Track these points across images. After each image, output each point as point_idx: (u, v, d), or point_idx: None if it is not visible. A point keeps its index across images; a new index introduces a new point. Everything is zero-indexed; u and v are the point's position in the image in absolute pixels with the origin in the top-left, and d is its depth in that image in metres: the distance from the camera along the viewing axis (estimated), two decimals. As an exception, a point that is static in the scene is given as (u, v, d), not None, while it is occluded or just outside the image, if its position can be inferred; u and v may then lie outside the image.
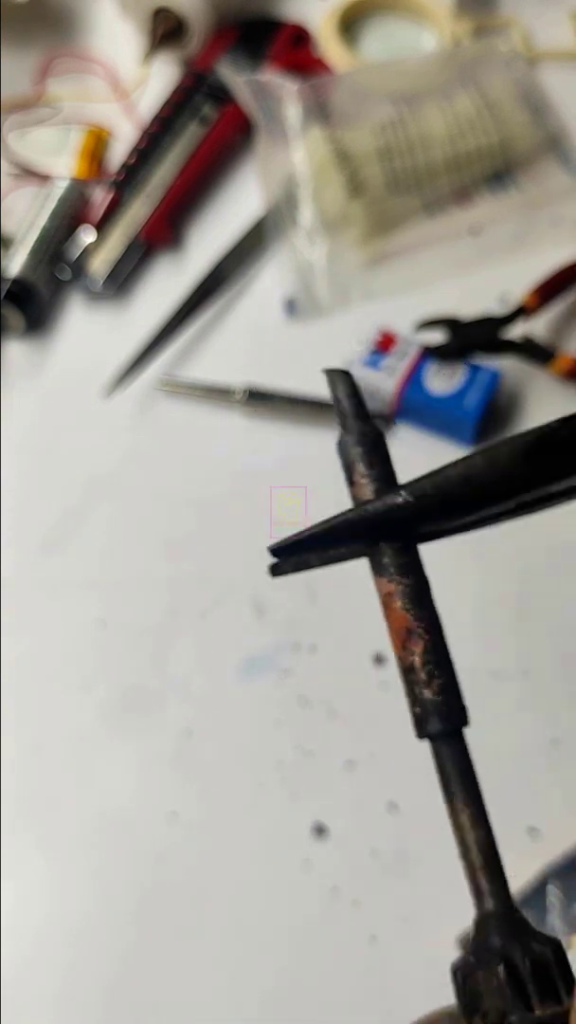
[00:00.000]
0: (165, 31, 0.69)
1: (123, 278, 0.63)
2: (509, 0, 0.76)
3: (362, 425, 0.24)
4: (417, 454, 0.55)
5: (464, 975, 0.20)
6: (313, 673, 0.50)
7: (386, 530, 0.22)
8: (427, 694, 0.22)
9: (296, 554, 0.23)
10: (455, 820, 0.22)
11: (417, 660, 0.22)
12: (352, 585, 0.53)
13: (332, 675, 0.50)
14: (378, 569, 0.23)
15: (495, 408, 0.56)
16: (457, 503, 0.22)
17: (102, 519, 0.55)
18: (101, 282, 0.62)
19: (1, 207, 0.65)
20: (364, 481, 0.23)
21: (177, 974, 0.44)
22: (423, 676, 0.22)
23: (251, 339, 0.61)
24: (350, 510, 0.23)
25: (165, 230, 0.64)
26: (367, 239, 0.63)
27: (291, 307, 0.61)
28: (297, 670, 0.50)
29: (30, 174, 0.66)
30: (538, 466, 0.22)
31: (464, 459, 0.22)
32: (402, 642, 0.22)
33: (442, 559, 0.53)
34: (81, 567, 0.54)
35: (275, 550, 0.23)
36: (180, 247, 0.65)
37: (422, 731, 0.22)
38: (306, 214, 0.63)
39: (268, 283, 0.63)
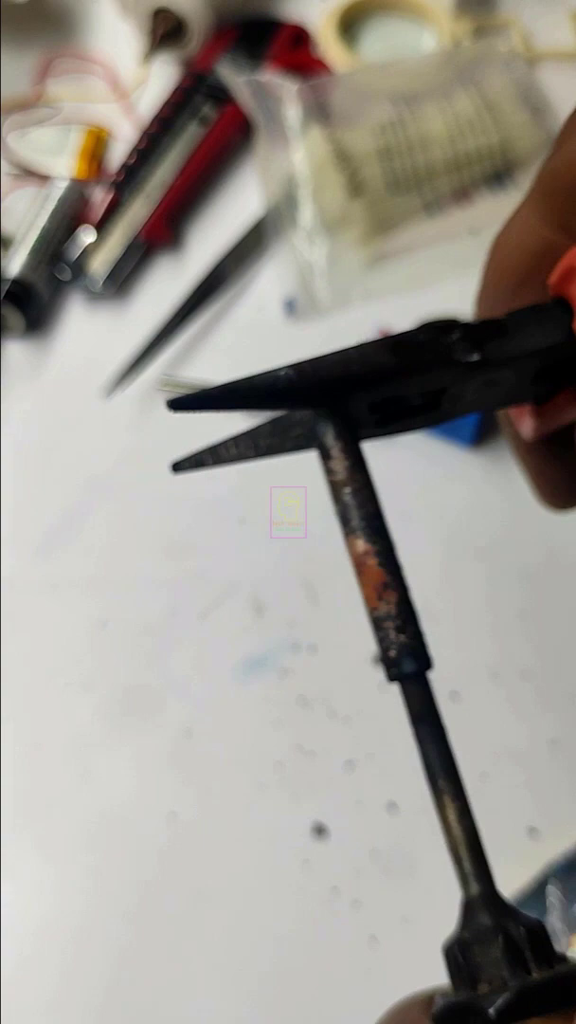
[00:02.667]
0: (165, 31, 0.69)
1: (123, 278, 0.63)
2: (509, 0, 0.76)
3: None
4: (417, 456, 0.55)
5: (462, 950, 0.21)
6: (313, 673, 0.50)
7: (270, 400, 0.24)
8: (402, 638, 0.24)
9: (194, 410, 0.24)
10: (439, 805, 0.22)
11: (392, 609, 0.24)
12: (352, 585, 0.53)
13: (332, 675, 0.50)
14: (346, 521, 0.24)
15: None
16: (333, 384, 0.24)
17: (102, 519, 0.55)
18: (101, 282, 0.62)
19: (1, 207, 0.65)
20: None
21: (176, 974, 0.44)
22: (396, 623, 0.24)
23: (251, 339, 0.61)
24: (239, 379, 0.24)
25: (165, 230, 0.64)
26: (367, 239, 0.63)
27: (291, 307, 0.61)
28: (297, 670, 0.50)
29: (30, 174, 0.66)
30: (402, 358, 0.25)
31: (340, 350, 0.25)
32: (377, 594, 0.24)
33: (443, 560, 0.53)
34: (81, 567, 0.54)
35: (173, 404, 0.23)
36: (180, 247, 0.65)
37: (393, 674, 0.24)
38: (306, 214, 0.63)
39: (268, 283, 0.63)
